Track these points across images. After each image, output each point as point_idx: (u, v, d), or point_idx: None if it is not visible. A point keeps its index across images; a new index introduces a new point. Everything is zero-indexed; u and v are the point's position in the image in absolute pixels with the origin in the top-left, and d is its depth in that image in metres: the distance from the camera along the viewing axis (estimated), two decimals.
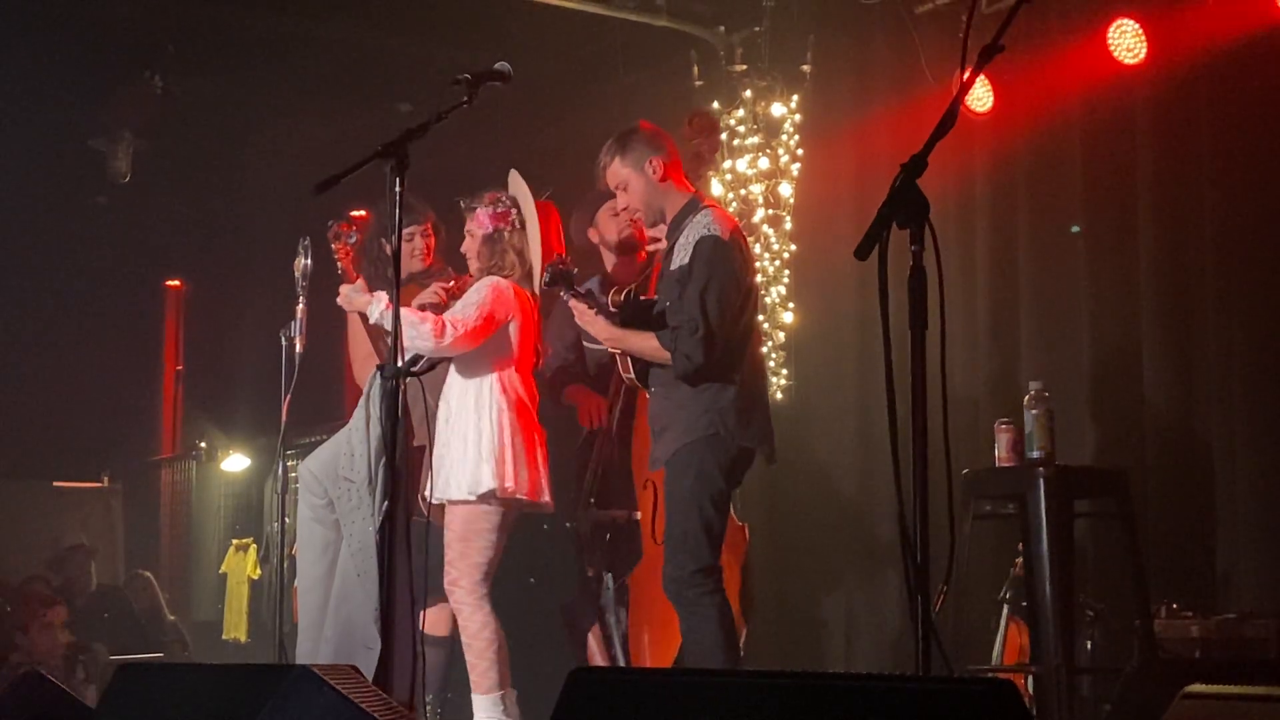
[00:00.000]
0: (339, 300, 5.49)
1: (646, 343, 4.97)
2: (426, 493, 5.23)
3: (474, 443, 5.25)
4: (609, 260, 5.98)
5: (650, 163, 5.03)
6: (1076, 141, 6.30)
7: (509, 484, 5.21)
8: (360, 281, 5.47)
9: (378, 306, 5.23)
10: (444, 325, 5.20)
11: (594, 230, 5.97)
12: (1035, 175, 6.47)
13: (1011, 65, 6.08)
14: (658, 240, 5.39)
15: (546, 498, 5.38)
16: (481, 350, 5.31)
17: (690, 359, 4.81)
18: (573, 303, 5.08)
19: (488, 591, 5.24)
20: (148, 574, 9.53)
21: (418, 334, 5.09)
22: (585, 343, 5.91)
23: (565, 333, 5.85)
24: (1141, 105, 6.08)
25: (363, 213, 9.49)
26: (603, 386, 5.85)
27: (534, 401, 5.45)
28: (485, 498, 5.22)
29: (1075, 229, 6.32)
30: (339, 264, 5.46)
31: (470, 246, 5.50)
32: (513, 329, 5.36)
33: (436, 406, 5.48)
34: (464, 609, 5.23)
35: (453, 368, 5.41)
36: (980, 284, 6.61)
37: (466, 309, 5.28)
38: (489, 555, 5.25)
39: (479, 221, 5.45)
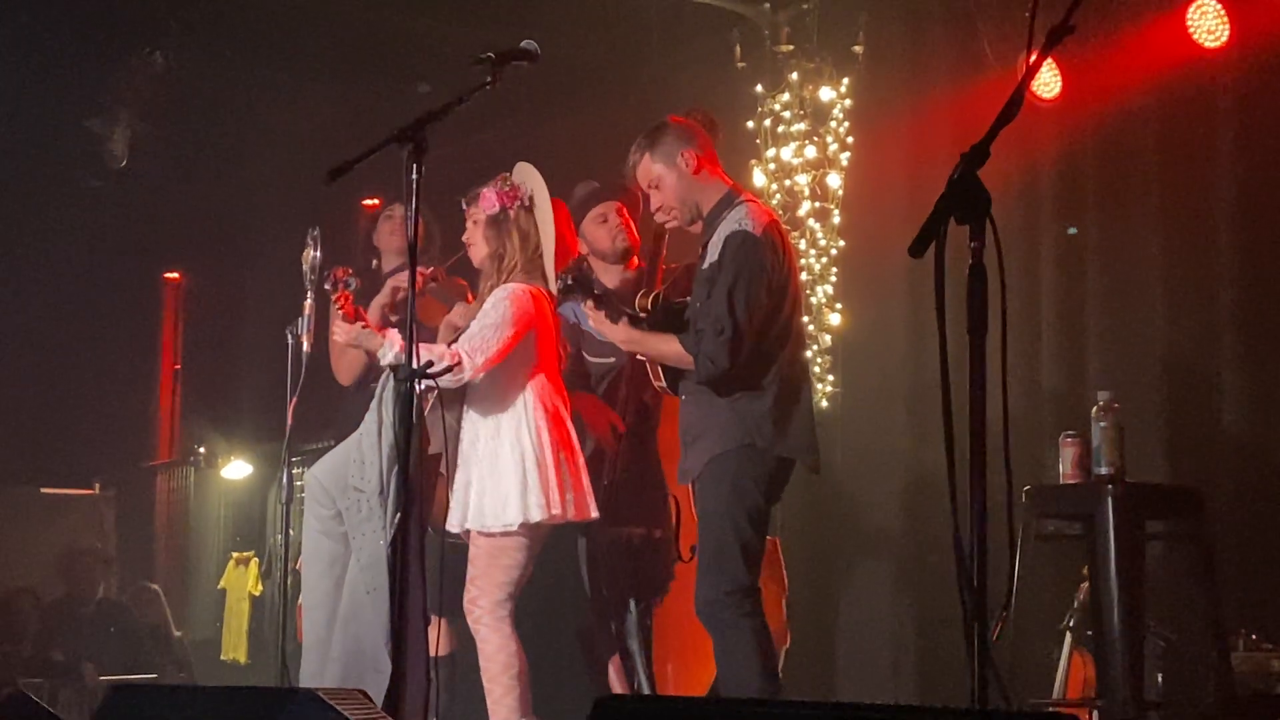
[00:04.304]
0: (340, 338, 5.42)
1: (668, 346, 4.96)
2: (451, 523, 5.24)
3: (513, 469, 5.20)
4: (601, 270, 5.94)
5: (683, 155, 5.02)
6: (1152, 131, 6.28)
7: (556, 510, 5.20)
8: (359, 325, 5.41)
9: (391, 350, 5.09)
10: (459, 358, 5.13)
11: (580, 241, 5.95)
12: (1106, 167, 6.45)
13: (1082, 47, 6.07)
14: (663, 236, 5.41)
15: (594, 513, 5.36)
16: (505, 365, 5.27)
17: (714, 362, 4.79)
18: (589, 309, 5.07)
19: (510, 611, 5.24)
20: (155, 586, 9.56)
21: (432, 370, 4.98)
22: (587, 355, 5.90)
23: (566, 342, 5.83)
24: (1223, 91, 6.05)
25: (376, 201, 9.53)
26: (609, 399, 5.84)
27: (567, 406, 5.43)
28: (525, 526, 5.22)
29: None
30: (339, 311, 5.40)
31: (474, 234, 5.47)
32: (536, 338, 5.34)
33: (452, 420, 5.46)
34: (481, 628, 5.22)
35: (473, 385, 5.33)
36: (1045, 285, 6.59)
37: (485, 332, 5.20)
38: (516, 575, 5.25)
39: (485, 201, 5.40)
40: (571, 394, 5.69)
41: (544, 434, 5.25)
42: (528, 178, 5.48)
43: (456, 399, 5.42)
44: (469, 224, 5.51)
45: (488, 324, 5.23)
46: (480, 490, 5.25)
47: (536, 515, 5.17)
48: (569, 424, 5.39)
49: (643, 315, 5.10)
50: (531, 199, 5.40)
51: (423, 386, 4.46)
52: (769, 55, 7.54)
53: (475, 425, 5.35)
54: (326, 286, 5.35)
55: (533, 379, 5.32)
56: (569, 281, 5.04)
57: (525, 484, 5.18)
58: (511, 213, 5.40)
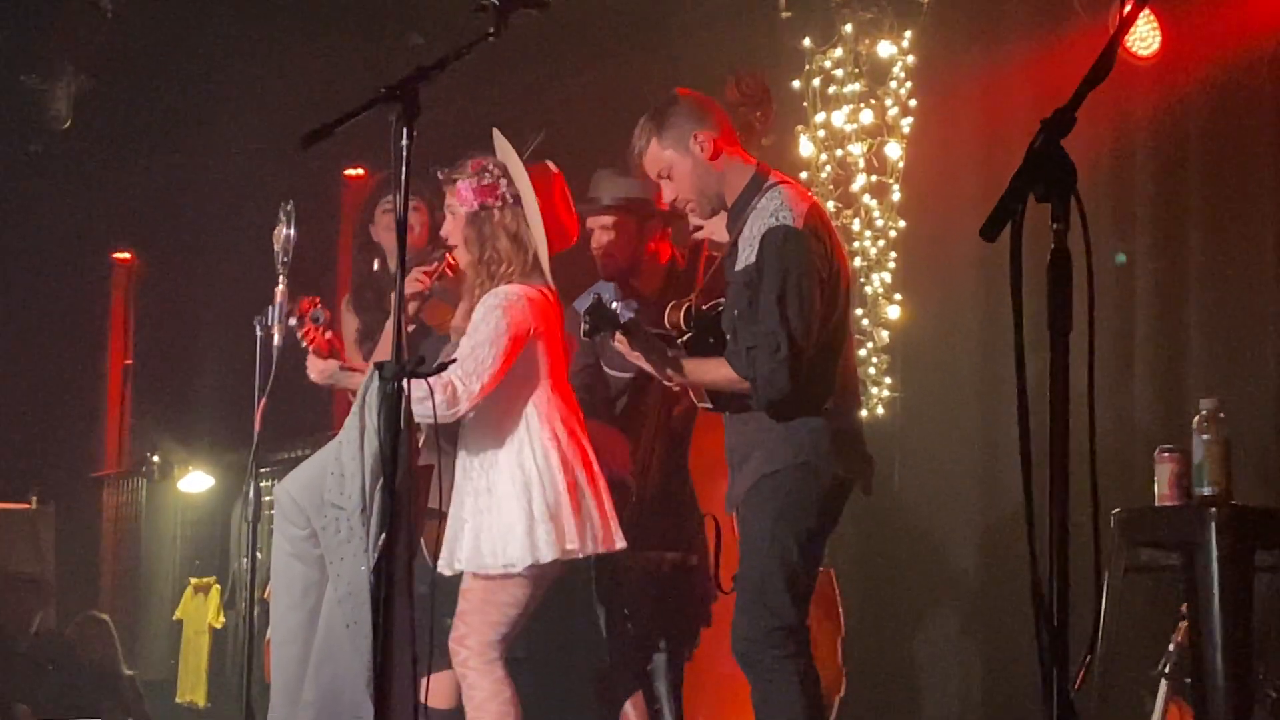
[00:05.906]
0: (316, 378, 5.49)
1: (717, 372, 4.95)
2: (441, 566, 5.24)
3: (516, 499, 5.17)
4: None
5: (696, 139, 4.99)
6: (1266, 95, 6.28)
7: (572, 544, 5.17)
8: (334, 361, 5.47)
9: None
10: (454, 390, 5.10)
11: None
12: (1213, 137, 6.44)
13: None
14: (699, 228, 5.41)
15: (620, 543, 5.32)
16: (503, 381, 5.23)
17: (774, 384, 4.78)
18: (621, 345, 5.05)
19: (502, 653, 5.22)
20: (103, 616, 9.58)
21: (423, 408, 4.93)
22: (606, 367, 5.91)
23: (578, 357, 5.82)
24: None
25: (360, 171, 9.56)
26: (632, 414, 5.85)
27: (580, 419, 5.42)
28: (532, 567, 5.21)
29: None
30: (309, 348, 5.45)
31: (453, 228, 5.43)
32: (540, 347, 5.32)
33: (449, 447, 5.44)
34: (469, 672, 5.22)
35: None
36: (1140, 274, 6.59)
37: (477, 351, 5.16)
38: (515, 614, 5.24)
39: (461, 197, 5.36)
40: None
41: (552, 455, 5.22)
42: (505, 156, 5.42)
43: (452, 429, 5.40)
44: (447, 214, 5.47)
45: (480, 340, 5.18)
46: (476, 527, 5.22)
47: (548, 553, 5.13)
48: (584, 439, 5.36)
49: (676, 333, 5.07)
50: (515, 192, 5.36)
51: (412, 409, 4.46)
52: (819, 3, 7.53)
53: (468, 454, 5.33)
54: (292, 321, 5.39)
55: (535, 393, 5.29)
56: (591, 322, 4.99)
57: (531, 515, 5.14)
58: (496, 212, 5.35)
